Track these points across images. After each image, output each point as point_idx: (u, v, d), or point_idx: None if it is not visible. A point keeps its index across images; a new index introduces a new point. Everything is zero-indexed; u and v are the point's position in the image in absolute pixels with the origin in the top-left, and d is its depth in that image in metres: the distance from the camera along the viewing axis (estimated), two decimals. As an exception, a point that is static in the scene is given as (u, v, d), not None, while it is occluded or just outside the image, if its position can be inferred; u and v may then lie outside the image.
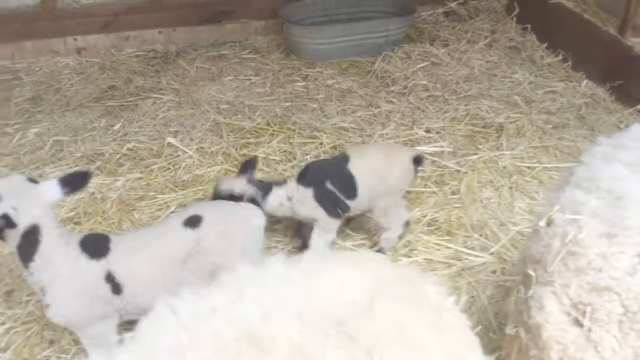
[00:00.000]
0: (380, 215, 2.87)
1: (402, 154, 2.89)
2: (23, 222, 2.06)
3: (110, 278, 2.18)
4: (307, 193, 2.75)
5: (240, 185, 2.66)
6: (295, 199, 2.76)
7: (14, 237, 2.09)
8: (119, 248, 2.23)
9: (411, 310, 1.22)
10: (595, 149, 1.73)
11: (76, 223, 3.09)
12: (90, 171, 2.41)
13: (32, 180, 2.17)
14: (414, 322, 1.20)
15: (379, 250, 2.90)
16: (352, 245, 3.01)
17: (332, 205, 2.76)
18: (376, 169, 2.78)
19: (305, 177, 2.78)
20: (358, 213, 2.93)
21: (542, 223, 1.60)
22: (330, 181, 2.75)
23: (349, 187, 2.76)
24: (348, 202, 2.77)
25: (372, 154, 2.85)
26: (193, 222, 2.30)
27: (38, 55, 4.73)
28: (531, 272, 1.52)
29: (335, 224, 2.83)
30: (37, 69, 4.61)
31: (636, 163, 1.55)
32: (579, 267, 1.44)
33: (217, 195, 2.66)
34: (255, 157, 2.92)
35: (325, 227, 2.82)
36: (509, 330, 1.60)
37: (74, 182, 2.18)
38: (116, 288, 2.19)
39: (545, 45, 4.74)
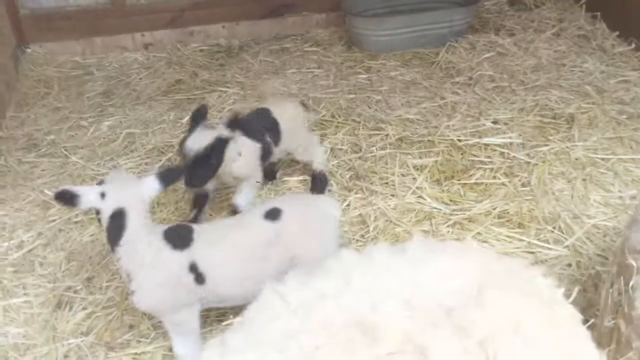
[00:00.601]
0: (303, 152, 3.14)
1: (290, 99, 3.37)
2: (112, 205, 2.17)
3: (193, 268, 2.24)
4: (256, 148, 2.82)
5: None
6: (243, 154, 2.79)
7: (104, 219, 2.22)
8: (201, 239, 2.29)
9: (523, 303, 1.20)
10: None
11: (151, 213, 3.18)
12: (181, 169, 2.54)
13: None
14: (528, 315, 1.18)
15: None
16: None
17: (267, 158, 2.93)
18: (290, 115, 3.07)
19: (250, 130, 2.81)
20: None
21: (643, 213, 1.55)
22: (269, 133, 2.89)
23: (277, 136, 2.96)
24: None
25: (284, 103, 3.22)
26: (273, 214, 2.35)
27: (107, 51, 4.88)
28: (632, 262, 1.48)
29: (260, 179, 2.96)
30: (107, 64, 4.76)
31: None
32: None
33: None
34: (204, 105, 2.89)
35: (254, 184, 2.89)
36: (607, 322, 1.55)
37: (169, 178, 2.31)
38: (199, 278, 2.25)
39: (617, 33, 4.56)
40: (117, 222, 2.19)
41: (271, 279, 1.37)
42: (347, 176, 3.37)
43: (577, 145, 3.47)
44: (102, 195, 2.20)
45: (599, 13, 4.79)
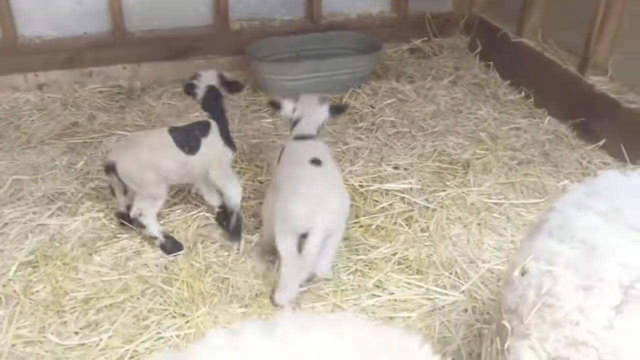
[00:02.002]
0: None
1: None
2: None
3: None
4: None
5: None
6: None
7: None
8: None
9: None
10: (567, 196, 1.73)
11: (34, 267, 2.98)
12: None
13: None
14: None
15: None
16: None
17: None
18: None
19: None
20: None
21: (516, 273, 1.59)
22: None
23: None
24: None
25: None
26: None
27: (-3, 91, 4.61)
28: (507, 324, 1.50)
29: None
30: (-4, 105, 4.50)
31: (609, 211, 1.56)
32: (555, 320, 1.42)
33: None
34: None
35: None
36: (488, 382, 1.56)
37: (335, 111, 3.26)
38: None
39: (508, 82, 4.83)
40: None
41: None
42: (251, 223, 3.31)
43: (473, 191, 3.60)
44: (294, 110, 3.12)
45: (491, 62, 5.06)
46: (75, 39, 4.75)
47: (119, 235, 3.20)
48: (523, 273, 1.58)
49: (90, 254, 3.07)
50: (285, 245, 2.76)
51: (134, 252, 3.11)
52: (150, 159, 3.01)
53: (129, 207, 3.13)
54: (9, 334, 2.61)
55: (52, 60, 4.65)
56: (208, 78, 3.19)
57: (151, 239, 3.11)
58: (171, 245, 3.09)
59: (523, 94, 4.65)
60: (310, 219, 2.71)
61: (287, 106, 3.15)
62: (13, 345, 2.57)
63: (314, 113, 3.16)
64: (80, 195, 3.50)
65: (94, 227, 3.26)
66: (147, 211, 3.07)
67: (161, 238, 3.09)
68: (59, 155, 3.89)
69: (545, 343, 1.42)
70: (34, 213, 3.34)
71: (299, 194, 2.76)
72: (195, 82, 3.19)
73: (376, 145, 4.05)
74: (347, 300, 2.85)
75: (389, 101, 4.60)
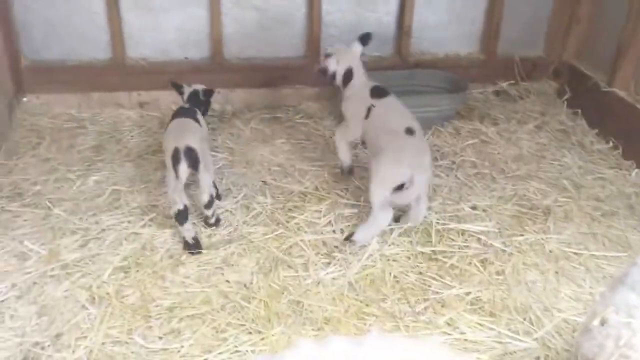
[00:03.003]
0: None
1: None
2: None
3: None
4: None
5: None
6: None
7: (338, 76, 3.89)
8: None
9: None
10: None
11: (126, 272, 3.20)
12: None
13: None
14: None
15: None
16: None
17: None
18: None
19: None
20: None
21: (596, 322, 1.61)
22: None
23: None
24: None
25: None
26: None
27: (103, 107, 4.98)
28: None
29: None
30: (101, 119, 4.85)
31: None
32: None
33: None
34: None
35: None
36: None
37: (365, 40, 3.87)
38: None
39: (596, 131, 4.76)
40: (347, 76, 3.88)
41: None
42: (324, 251, 3.42)
43: (552, 238, 3.56)
44: (337, 62, 3.84)
45: (579, 110, 5.00)
46: (177, 63, 5.08)
47: (203, 251, 3.38)
48: (602, 323, 1.60)
49: (177, 265, 3.26)
50: (379, 197, 3.35)
51: (217, 268, 3.27)
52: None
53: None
54: (100, 332, 2.81)
55: (154, 81, 4.99)
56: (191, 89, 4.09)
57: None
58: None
59: (611, 144, 4.57)
60: (410, 176, 3.31)
61: (331, 62, 3.88)
62: (103, 344, 2.76)
63: (353, 55, 3.83)
64: (169, 209, 3.72)
65: (180, 240, 3.46)
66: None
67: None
68: (153, 170, 4.15)
69: (622, 393, 1.43)
70: (128, 222, 3.59)
71: (401, 155, 3.38)
72: (184, 86, 4.10)
73: (456, 185, 4.08)
74: (418, 335, 2.88)
75: (471, 141, 4.64)
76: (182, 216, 3.36)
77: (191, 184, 3.71)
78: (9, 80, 4.64)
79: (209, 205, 3.49)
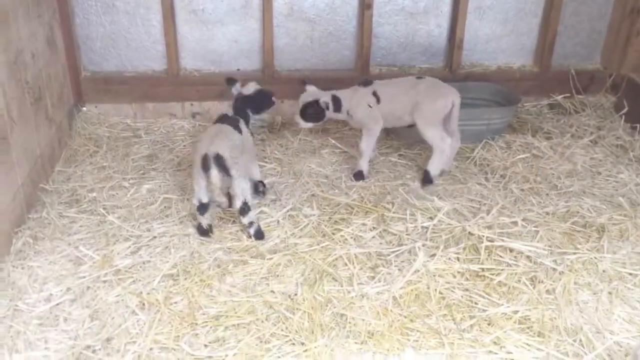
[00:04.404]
0: None
1: None
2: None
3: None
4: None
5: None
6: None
7: None
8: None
9: None
10: None
11: (175, 280, 3.27)
12: None
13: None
14: None
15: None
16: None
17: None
18: None
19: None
20: None
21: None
22: None
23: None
24: None
25: None
26: None
27: (157, 116, 5.14)
28: None
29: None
30: (155, 128, 5.00)
31: None
32: None
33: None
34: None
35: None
36: None
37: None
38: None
39: (655, 147, 4.60)
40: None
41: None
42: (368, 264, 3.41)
43: (606, 257, 3.45)
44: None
45: (638, 125, 4.83)
46: (229, 74, 5.16)
47: (250, 261, 3.42)
48: None
49: (224, 274, 3.32)
50: (436, 131, 4.13)
51: (262, 278, 3.31)
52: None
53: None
54: (148, 338, 2.88)
55: (207, 92, 5.12)
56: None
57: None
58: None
59: (670, 161, 4.41)
60: (452, 101, 4.13)
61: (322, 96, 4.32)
62: (150, 349, 2.83)
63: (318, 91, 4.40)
64: (219, 217, 3.80)
65: (228, 249, 3.52)
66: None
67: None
68: (204, 180, 4.23)
69: None
70: (179, 230, 3.67)
71: (435, 90, 4.16)
72: (236, 84, 4.03)
73: (505, 200, 4.01)
74: (463, 353, 2.84)
75: (523, 156, 4.55)
76: (203, 208, 3.56)
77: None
78: (69, 91, 4.85)
79: (242, 212, 3.53)
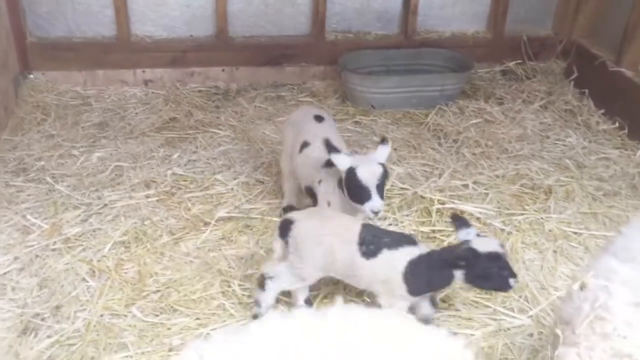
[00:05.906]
0: None
1: None
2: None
3: None
4: None
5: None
6: None
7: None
8: None
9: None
10: (635, 221, 1.76)
11: (126, 247, 3.24)
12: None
13: None
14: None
15: None
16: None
17: None
18: None
19: None
20: None
21: (575, 286, 1.64)
22: None
23: None
24: None
25: None
26: None
27: (108, 84, 5.01)
28: (559, 332, 1.57)
29: None
30: (106, 96, 4.88)
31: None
32: (605, 332, 1.49)
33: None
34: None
35: None
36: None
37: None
38: None
39: (602, 111, 4.71)
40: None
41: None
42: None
43: (552, 217, 3.55)
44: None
45: (587, 90, 4.94)
46: (182, 41, 5.08)
47: (203, 228, 3.40)
48: (582, 287, 1.64)
49: (176, 242, 3.30)
50: None
51: (216, 244, 3.30)
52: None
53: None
54: (98, 304, 2.86)
55: (159, 59, 5.01)
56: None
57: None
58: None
59: (617, 124, 4.53)
60: None
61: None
62: (101, 316, 2.81)
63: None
64: (171, 185, 3.76)
65: (181, 216, 3.49)
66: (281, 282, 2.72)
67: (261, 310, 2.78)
68: (156, 147, 4.18)
69: (592, 352, 1.47)
70: (130, 197, 3.62)
71: None
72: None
73: (457, 164, 4.07)
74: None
75: (475, 121, 4.62)
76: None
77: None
78: (14, 57, 4.68)
79: None
